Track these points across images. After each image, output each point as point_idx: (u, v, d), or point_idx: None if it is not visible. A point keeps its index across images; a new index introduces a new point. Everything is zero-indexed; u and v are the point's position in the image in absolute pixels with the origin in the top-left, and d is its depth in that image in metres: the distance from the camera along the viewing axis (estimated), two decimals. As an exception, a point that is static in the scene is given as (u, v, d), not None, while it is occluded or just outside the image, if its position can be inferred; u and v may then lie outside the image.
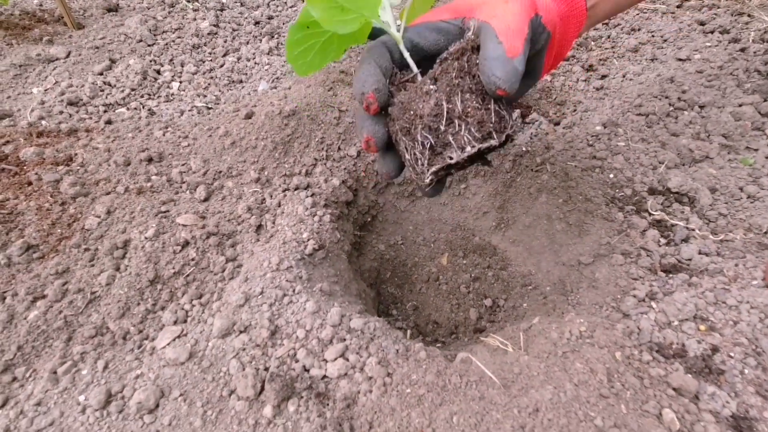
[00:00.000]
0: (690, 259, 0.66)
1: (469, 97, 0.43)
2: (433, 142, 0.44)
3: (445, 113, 0.43)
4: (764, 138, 0.88)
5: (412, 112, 0.44)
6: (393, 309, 0.87)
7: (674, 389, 0.50)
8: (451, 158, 0.43)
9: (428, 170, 0.45)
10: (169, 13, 1.40)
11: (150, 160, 0.86)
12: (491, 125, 0.43)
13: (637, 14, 1.37)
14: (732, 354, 0.54)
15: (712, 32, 1.22)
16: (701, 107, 0.97)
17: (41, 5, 1.48)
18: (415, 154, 0.45)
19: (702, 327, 0.57)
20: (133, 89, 1.11)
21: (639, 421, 0.43)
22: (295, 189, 0.81)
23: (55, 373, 0.57)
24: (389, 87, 0.47)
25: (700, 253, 0.67)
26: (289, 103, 0.91)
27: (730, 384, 0.51)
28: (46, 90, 1.09)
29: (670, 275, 0.64)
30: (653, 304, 0.60)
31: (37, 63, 1.18)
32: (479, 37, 0.45)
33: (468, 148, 0.43)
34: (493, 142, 0.43)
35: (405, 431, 0.46)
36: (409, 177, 0.45)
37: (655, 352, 0.54)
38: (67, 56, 1.20)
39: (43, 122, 0.97)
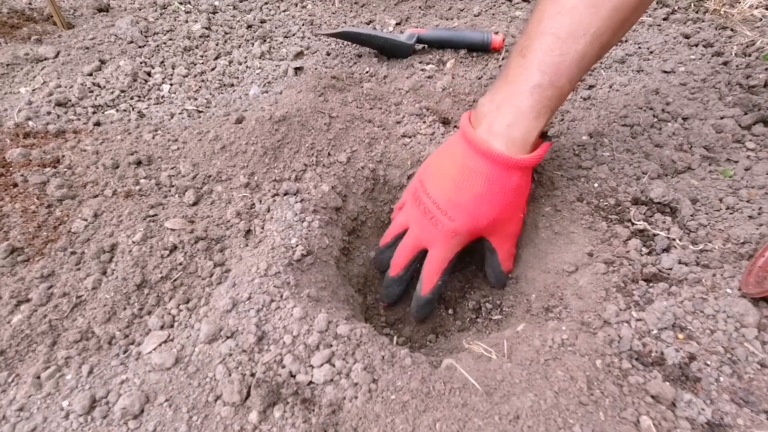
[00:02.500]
0: (670, 269, 0.68)
1: None
2: None
3: None
4: (744, 150, 0.91)
5: None
6: (383, 316, 0.87)
7: (652, 397, 0.51)
8: None
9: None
10: (161, 14, 1.39)
11: (139, 163, 0.86)
12: None
13: (625, 26, 1.40)
14: (708, 362, 0.55)
15: (696, 45, 1.25)
16: (684, 119, 0.99)
17: (30, 4, 1.46)
18: None
19: (680, 336, 0.58)
20: (122, 91, 1.11)
21: (617, 428, 0.44)
22: (285, 194, 0.81)
23: (38, 378, 0.57)
24: None
25: (680, 262, 0.69)
26: (279, 109, 0.91)
27: (706, 391, 0.53)
28: (33, 90, 1.08)
29: (651, 284, 0.66)
30: (634, 312, 0.62)
31: (25, 62, 1.17)
32: None
33: None
34: None
35: (389, 438, 0.47)
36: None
37: (634, 360, 0.55)
38: (56, 56, 1.19)
39: (31, 123, 0.96)
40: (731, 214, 0.77)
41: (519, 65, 0.67)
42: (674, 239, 0.73)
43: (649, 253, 0.72)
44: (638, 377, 0.52)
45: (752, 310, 0.58)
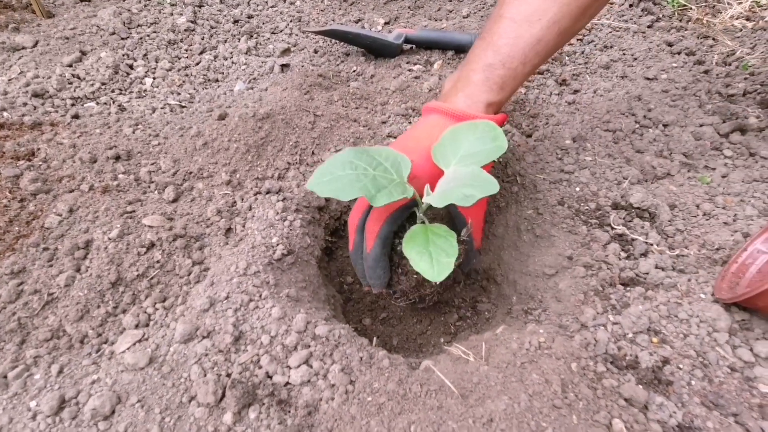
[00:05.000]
0: (647, 273, 0.69)
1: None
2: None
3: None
4: (722, 158, 0.93)
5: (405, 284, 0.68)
6: (366, 317, 0.87)
7: (625, 400, 0.52)
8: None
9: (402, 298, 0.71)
10: (145, 6, 1.37)
11: (118, 157, 0.84)
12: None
13: (610, 32, 1.42)
14: (681, 366, 0.56)
15: (679, 53, 1.28)
16: (665, 126, 1.01)
17: (9, -9, 1.42)
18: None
19: (655, 339, 0.59)
20: (103, 83, 1.08)
21: (588, 431, 0.45)
22: (267, 193, 0.81)
23: (5, 377, 0.55)
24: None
25: (656, 267, 0.70)
26: (263, 106, 0.90)
27: (678, 395, 0.54)
28: (10, 80, 1.05)
29: (628, 288, 0.67)
30: (610, 316, 0.63)
31: (2, 51, 1.13)
32: None
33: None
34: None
35: (364, 440, 0.46)
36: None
37: (609, 364, 0.56)
38: (35, 46, 1.16)
39: (5, 114, 0.93)
40: (707, 220, 0.78)
41: (477, 47, 0.73)
42: (652, 244, 0.74)
43: (627, 258, 0.73)
44: (612, 380, 0.53)
45: (724, 315, 0.59)
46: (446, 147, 0.64)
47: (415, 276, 0.67)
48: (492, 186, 0.54)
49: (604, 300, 0.65)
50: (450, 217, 0.72)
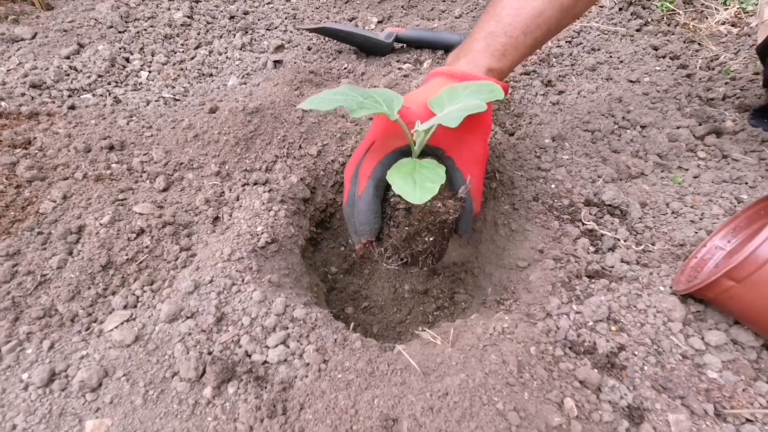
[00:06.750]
0: (612, 267, 0.73)
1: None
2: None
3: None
4: (695, 159, 0.96)
5: (400, 227, 0.64)
6: (348, 306, 0.91)
7: (580, 382, 0.55)
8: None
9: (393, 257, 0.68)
10: (143, 0, 1.39)
11: (111, 147, 0.87)
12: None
13: (599, 35, 1.45)
14: (636, 352, 0.60)
15: (663, 57, 1.31)
16: (643, 127, 1.04)
17: (9, -17, 1.45)
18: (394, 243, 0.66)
19: (613, 328, 0.63)
20: (100, 75, 1.11)
21: (538, 407, 0.48)
22: (254, 184, 0.84)
23: (-1, 351, 0.58)
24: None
25: (622, 261, 0.73)
26: (253, 101, 0.93)
27: (630, 378, 0.57)
28: (8, 70, 1.08)
29: (593, 280, 0.70)
30: (574, 305, 0.66)
31: (1, 42, 1.16)
32: None
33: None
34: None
35: (332, 412, 0.50)
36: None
37: (567, 349, 0.59)
38: (33, 37, 1.19)
39: (3, 103, 0.96)
40: (675, 218, 0.82)
41: (481, 20, 0.77)
42: (620, 240, 0.78)
43: (595, 252, 0.77)
44: (569, 364, 0.56)
45: (679, 306, 0.63)
46: (443, 99, 0.64)
47: (406, 228, 0.63)
48: (497, 92, 0.54)
49: (570, 291, 0.69)
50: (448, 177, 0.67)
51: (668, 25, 1.49)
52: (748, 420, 0.54)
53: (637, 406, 0.55)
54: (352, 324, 0.68)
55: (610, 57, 1.35)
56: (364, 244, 0.67)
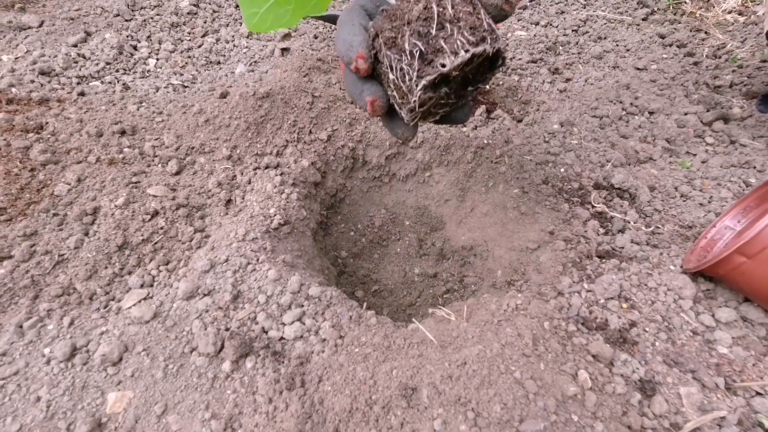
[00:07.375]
0: (622, 247, 0.73)
1: (459, 2, 0.41)
2: (423, 48, 0.40)
3: (435, 16, 0.40)
4: (703, 144, 0.97)
5: (399, 20, 0.42)
6: (358, 290, 0.91)
7: (593, 356, 0.56)
8: (443, 65, 0.39)
9: (418, 85, 0.40)
10: (149, -11, 1.39)
11: (123, 132, 0.88)
12: (484, 31, 0.40)
13: (605, 24, 1.45)
14: (647, 329, 0.61)
15: (670, 45, 1.31)
16: (651, 113, 1.04)
17: (15, -29, 1.45)
18: (402, 68, 0.41)
19: (624, 305, 0.64)
20: (108, 63, 1.12)
21: (554, 377, 0.49)
22: (266, 168, 0.84)
23: (20, 327, 0.59)
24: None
25: (632, 242, 0.74)
26: (263, 86, 0.93)
27: (642, 353, 0.58)
28: (17, 58, 1.08)
29: (604, 260, 0.71)
30: (585, 284, 0.67)
31: (8, 30, 1.16)
32: None
33: (462, 53, 0.39)
34: (487, 48, 0.39)
35: (350, 383, 0.51)
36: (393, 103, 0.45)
37: (580, 325, 0.60)
38: (40, 25, 1.19)
39: (14, 90, 0.97)
40: (684, 201, 0.83)
41: None
42: (630, 221, 0.78)
43: (605, 233, 0.77)
44: (582, 339, 0.57)
45: (690, 284, 0.64)
46: None
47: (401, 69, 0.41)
48: None
49: (581, 270, 0.70)
50: None
51: (674, 14, 1.48)
52: (758, 393, 0.55)
53: (649, 379, 0.55)
54: (364, 305, 0.69)
55: (617, 45, 1.35)
56: (371, 102, 0.46)
